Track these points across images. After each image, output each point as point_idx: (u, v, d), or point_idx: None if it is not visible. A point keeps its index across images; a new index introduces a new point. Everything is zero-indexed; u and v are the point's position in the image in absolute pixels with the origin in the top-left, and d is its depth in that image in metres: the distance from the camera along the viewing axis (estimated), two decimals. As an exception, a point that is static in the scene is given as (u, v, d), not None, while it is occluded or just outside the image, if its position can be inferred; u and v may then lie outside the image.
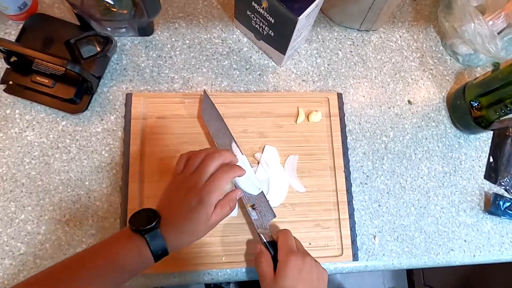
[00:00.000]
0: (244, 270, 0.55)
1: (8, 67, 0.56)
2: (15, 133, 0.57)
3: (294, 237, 0.50)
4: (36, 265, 0.52)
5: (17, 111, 0.58)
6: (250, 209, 0.53)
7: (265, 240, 0.50)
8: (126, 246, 0.40)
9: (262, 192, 0.53)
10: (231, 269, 0.54)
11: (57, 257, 0.52)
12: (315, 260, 0.48)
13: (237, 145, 0.54)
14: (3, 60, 0.56)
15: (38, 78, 0.56)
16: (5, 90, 0.57)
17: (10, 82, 0.56)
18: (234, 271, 0.55)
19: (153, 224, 0.40)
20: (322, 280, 0.47)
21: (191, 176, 0.44)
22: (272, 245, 0.49)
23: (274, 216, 0.53)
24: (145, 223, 0.40)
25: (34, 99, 0.57)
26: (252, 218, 0.53)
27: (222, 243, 0.54)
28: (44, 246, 0.53)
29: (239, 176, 0.49)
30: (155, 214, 0.41)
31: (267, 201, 0.53)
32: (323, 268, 0.49)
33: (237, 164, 0.49)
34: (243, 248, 0.54)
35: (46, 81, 0.56)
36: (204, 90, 0.59)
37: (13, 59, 0.56)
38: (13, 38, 0.59)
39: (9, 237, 0.52)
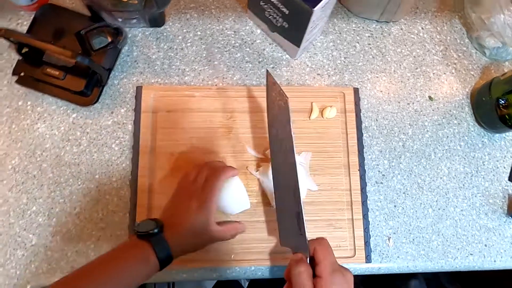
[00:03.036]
0: (253, 268, 0.54)
1: (20, 58, 0.56)
2: (27, 124, 0.57)
3: None
4: (47, 256, 0.52)
5: (28, 103, 0.58)
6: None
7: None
8: (133, 252, 0.41)
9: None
10: (239, 267, 0.54)
11: (67, 250, 0.53)
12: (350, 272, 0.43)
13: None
14: (15, 51, 0.56)
15: (49, 70, 0.55)
16: (17, 82, 0.57)
17: (22, 74, 0.56)
18: (243, 269, 0.54)
19: (156, 230, 0.42)
20: None
21: (193, 183, 0.47)
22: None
23: None
24: (150, 228, 0.42)
25: (45, 91, 0.57)
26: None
27: (231, 241, 0.53)
28: (55, 238, 0.53)
29: (231, 176, 0.50)
30: (157, 221, 0.44)
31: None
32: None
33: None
34: (253, 246, 0.53)
35: (57, 73, 0.55)
36: (267, 70, 0.52)
37: (24, 50, 0.55)
38: (24, 28, 0.58)
39: (21, 228, 0.53)
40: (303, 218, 0.44)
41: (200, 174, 0.48)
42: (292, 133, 0.45)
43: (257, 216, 0.54)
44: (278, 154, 0.48)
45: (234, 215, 0.54)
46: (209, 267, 0.53)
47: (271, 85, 0.49)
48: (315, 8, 0.47)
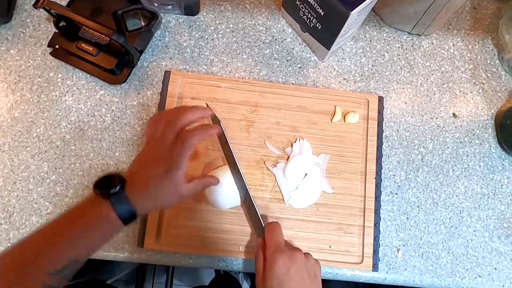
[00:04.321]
0: (259, 262, 0.54)
1: (56, 31, 0.57)
2: (56, 96, 0.58)
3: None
4: (60, 226, 0.53)
5: (59, 75, 0.59)
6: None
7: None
8: (93, 211, 0.39)
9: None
10: (245, 259, 0.54)
11: (80, 222, 0.54)
12: (306, 254, 0.46)
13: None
14: (52, 24, 0.58)
15: (83, 45, 0.57)
16: (51, 53, 0.58)
17: (57, 46, 0.58)
18: (250, 262, 0.54)
19: (117, 188, 0.39)
20: (314, 274, 0.45)
21: (161, 142, 0.42)
22: None
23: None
24: (109, 187, 0.39)
25: (77, 65, 0.58)
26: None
27: (241, 233, 0.54)
28: (69, 209, 0.54)
29: (209, 135, 0.44)
30: (119, 178, 0.40)
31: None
32: (315, 260, 0.47)
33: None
34: (261, 241, 0.54)
35: (91, 49, 0.57)
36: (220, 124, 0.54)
37: (61, 24, 0.57)
38: (63, 3, 0.60)
39: (39, 196, 0.54)
40: (259, 218, 0.52)
41: (169, 134, 0.42)
42: (231, 148, 0.54)
43: (269, 211, 0.55)
44: (233, 168, 0.54)
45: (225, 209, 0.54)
46: (217, 256, 0.54)
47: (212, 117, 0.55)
48: (352, 12, 0.47)
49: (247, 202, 0.53)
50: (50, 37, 0.58)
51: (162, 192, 0.42)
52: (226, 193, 0.52)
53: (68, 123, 0.57)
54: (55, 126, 0.57)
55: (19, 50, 0.60)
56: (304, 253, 0.46)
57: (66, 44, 0.57)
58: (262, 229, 0.50)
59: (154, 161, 0.42)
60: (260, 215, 0.53)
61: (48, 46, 0.58)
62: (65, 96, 0.58)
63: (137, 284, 1.18)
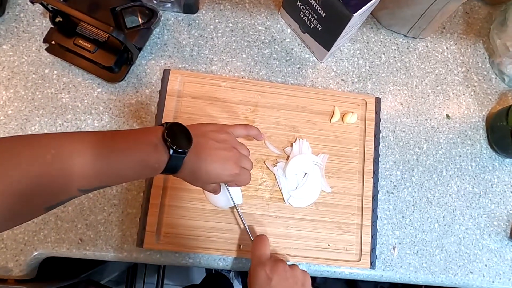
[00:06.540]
0: (259, 261, 0.54)
1: (53, 26, 0.56)
2: (51, 93, 0.57)
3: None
4: (57, 226, 0.52)
5: (55, 72, 0.58)
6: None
7: None
8: (149, 148, 0.36)
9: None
10: (246, 259, 0.54)
11: (77, 222, 0.53)
12: (292, 266, 0.48)
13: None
14: (47, 19, 0.56)
15: (81, 41, 0.55)
16: (46, 49, 0.57)
17: (53, 42, 0.56)
18: (250, 261, 0.54)
19: (187, 150, 0.37)
20: (302, 284, 0.47)
21: (231, 150, 0.43)
22: None
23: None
24: (179, 143, 0.37)
25: (74, 62, 0.57)
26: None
27: (241, 232, 0.54)
28: (66, 208, 0.53)
29: (253, 135, 0.49)
30: (190, 141, 0.38)
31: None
32: (302, 270, 0.48)
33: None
34: (262, 240, 0.54)
35: (89, 45, 0.55)
36: None
37: (58, 19, 0.55)
38: (60, -2, 0.59)
39: (34, 195, 0.53)
40: (248, 231, 0.52)
41: (238, 148, 0.45)
42: None
43: (269, 210, 0.55)
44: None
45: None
46: (217, 255, 0.54)
47: None
48: (355, 14, 0.48)
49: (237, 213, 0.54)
50: (45, 33, 0.57)
51: (210, 174, 0.41)
52: (224, 193, 0.52)
53: (65, 121, 0.56)
54: (50, 124, 0.56)
55: (13, 45, 0.58)
56: (291, 265, 0.48)
57: (63, 40, 0.56)
58: (251, 242, 0.51)
59: (221, 153, 0.42)
60: (259, 214, 0.53)
61: (44, 42, 0.56)
62: (61, 93, 0.57)
63: (127, 284, 1.16)
